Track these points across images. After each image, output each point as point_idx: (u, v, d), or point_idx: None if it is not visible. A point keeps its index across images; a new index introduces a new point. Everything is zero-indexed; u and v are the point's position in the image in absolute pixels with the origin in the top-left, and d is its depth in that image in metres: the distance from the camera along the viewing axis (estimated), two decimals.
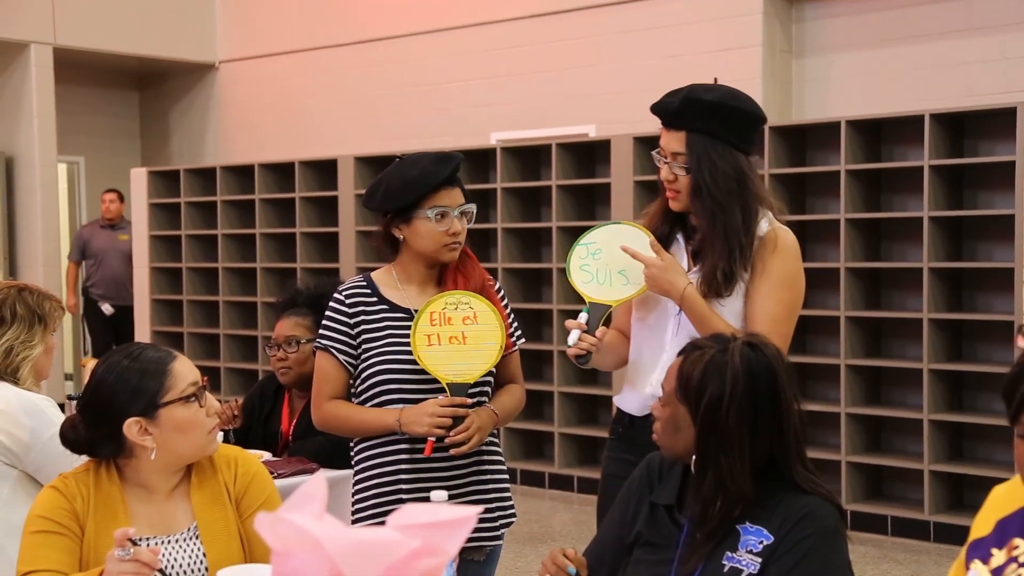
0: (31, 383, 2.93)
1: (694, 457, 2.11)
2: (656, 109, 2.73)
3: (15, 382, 2.89)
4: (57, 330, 3.05)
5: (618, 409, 2.87)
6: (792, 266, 2.68)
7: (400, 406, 2.69)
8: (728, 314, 2.66)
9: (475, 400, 2.73)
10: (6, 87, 9.00)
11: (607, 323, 2.79)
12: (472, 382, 2.68)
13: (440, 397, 2.65)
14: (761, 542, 2.05)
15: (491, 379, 2.79)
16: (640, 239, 2.71)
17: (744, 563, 2.04)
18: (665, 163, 2.69)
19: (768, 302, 2.65)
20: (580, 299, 2.79)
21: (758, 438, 2.08)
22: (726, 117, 2.66)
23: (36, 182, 8.88)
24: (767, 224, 2.70)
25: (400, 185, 2.70)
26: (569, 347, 2.67)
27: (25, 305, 2.94)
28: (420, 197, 2.68)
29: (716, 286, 2.63)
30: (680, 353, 2.19)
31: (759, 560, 2.04)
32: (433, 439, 2.64)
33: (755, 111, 2.69)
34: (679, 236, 2.77)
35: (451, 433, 2.63)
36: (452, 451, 2.65)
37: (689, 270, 2.71)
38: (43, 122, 8.86)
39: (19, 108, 8.94)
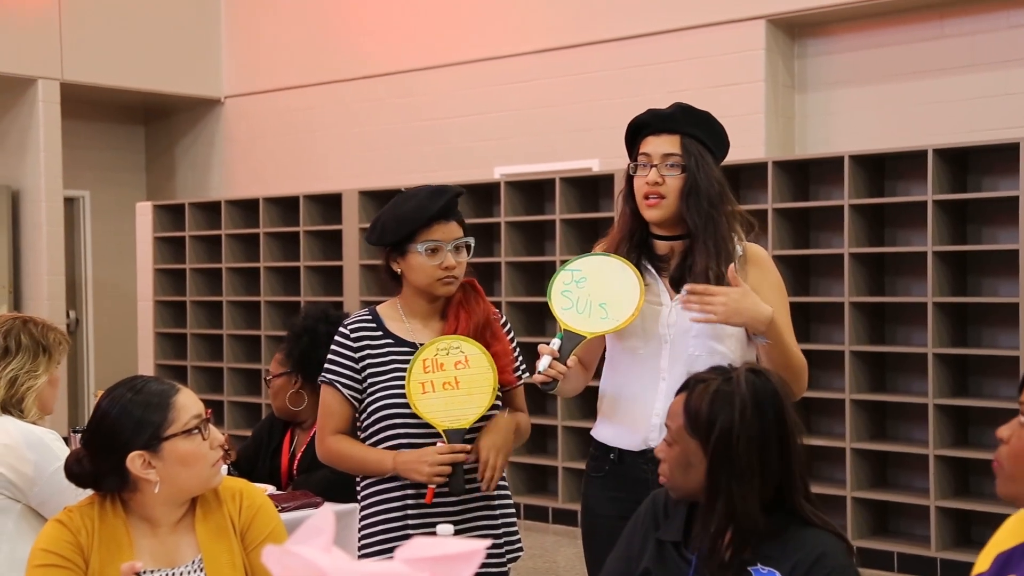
0: (35, 415, 2.92)
1: (705, 489, 2.09)
2: (641, 119, 2.75)
3: (20, 414, 2.88)
4: (62, 363, 3.05)
5: (600, 444, 2.79)
6: (778, 274, 2.79)
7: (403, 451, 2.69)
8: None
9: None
10: (13, 122, 9.04)
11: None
12: (468, 427, 2.67)
13: (438, 444, 2.64)
14: None
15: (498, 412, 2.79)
16: (627, 275, 2.67)
17: None
18: (652, 167, 2.68)
19: (780, 315, 2.70)
20: None
21: (767, 465, 2.08)
22: (713, 131, 2.75)
23: (42, 216, 8.91)
24: (738, 243, 2.73)
25: (394, 219, 2.71)
26: (539, 373, 2.62)
27: (30, 335, 2.95)
28: (413, 231, 2.69)
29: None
30: (682, 388, 2.17)
31: None
32: (434, 486, 2.64)
33: (728, 141, 2.79)
34: (648, 266, 2.74)
35: (482, 485, 2.64)
36: (483, 489, 2.66)
37: (673, 298, 2.69)
38: (49, 156, 8.90)
39: (26, 143, 8.98)
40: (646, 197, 2.68)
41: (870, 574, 5.73)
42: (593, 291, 2.69)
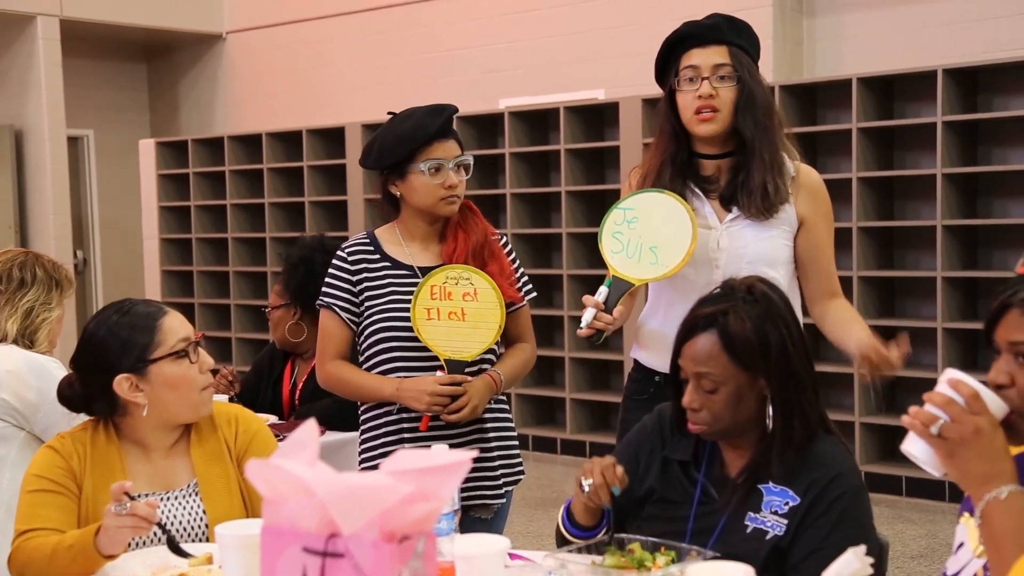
0: (46, 348, 2.92)
1: (771, 413, 2.02)
2: (681, 32, 2.63)
3: (30, 345, 2.88)
4: (69, 301, 3.05)
5: (643, 367, 2.71)
6: (830, 203, 2.70)
7: (400, 375, 2.66)
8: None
9: (477, 368, 2.68)
10: (14, 60, 8.95)
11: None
12: (470, 360, 2.63)
13: (438, 373, 2.61)
14: (787, 503, 1.99)
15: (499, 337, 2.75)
16: (679, 215, 2.54)
17: (769, 524, 1.98)
18: (703, 80, 2.57)
19: (829, 241, 2.68)
20: (591, 263, 2.70)
21: (813, 367, 2.08)
22: (753, 41, 2.66)
23: (46, 156, 8.85)
24: (790, 161, 2.63)
25: (393, 140, 2.65)
26: (582, 327, 2.52)
27: (43, 269, 2.95)
28: (413, 151, 2.63)
29: (767, 203, 2.55)
30: (689, 331, 2.05)
31: (784, 522, 1.97)
32: (430, 414, 2.61)
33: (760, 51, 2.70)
34: (694, 188, 2.63)
35: (445, 411, 2.59)
36: (443, 419, 2.61)
37: (723, 220, 2.61)
38: (51, 95, 8.82)
39: (27, 81, 8.90)
40: (698, 112, 2.57)
41: (879, 498, 5.74)
42: (644, 233, 2.56)
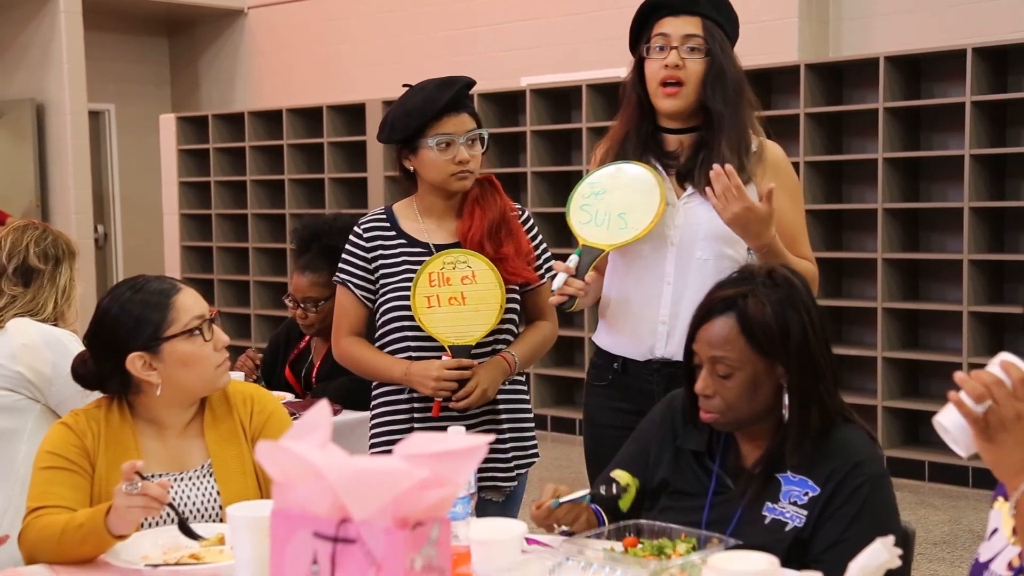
0: (73, 321, 2.90)
1: (787, 402, 1.96)
2: (657, 0, 2.57)
3: (55, 321, 2.85)
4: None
5: (603, 352, 2.66)
6: (795, 176, 2.63)
7: (409, 354, 2.63)
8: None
9: (491, 349, 2.65)
10: (36, 34, 8.94)
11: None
12: (473, 344, 2.59)
13: (444, 358, 2.58)
14: (806, 493, 1.93)
15: (515, 317, 2.71)
16: (645, 178, 2.52)
17: (788, 515, 1.93)
18: (672, 49, 2.51)
19: (793, 216, 2.56)
20: None
21: (832, 355, 2.02)
22: (731, 17, 2.59)
23: (67, 130, 8.84)
24: (754, 137, 2.57)
25: (404, 114, 2.61)
26: (553, 291, 2.48)
27: (65, 243, 2.94)
28: (423, 125, 2.58)
29: None
30: (705, 315, 1.99)
31: (804, 513, 1.92)
32: (440, 399, 2.58)
33: (738, 29, 2.63)
34: (655, 163, 2.56)
35: (454, 398, 2.56)
36: (451, 405, 2.58)
37: (680, 196, 2.54)
38: (73, 69, 8.80)
39: (49, 55, 8.88)
40: (663, 84, 2.51)
41: (901, 483, 5.68)
42: (612, 201, 2.53)
